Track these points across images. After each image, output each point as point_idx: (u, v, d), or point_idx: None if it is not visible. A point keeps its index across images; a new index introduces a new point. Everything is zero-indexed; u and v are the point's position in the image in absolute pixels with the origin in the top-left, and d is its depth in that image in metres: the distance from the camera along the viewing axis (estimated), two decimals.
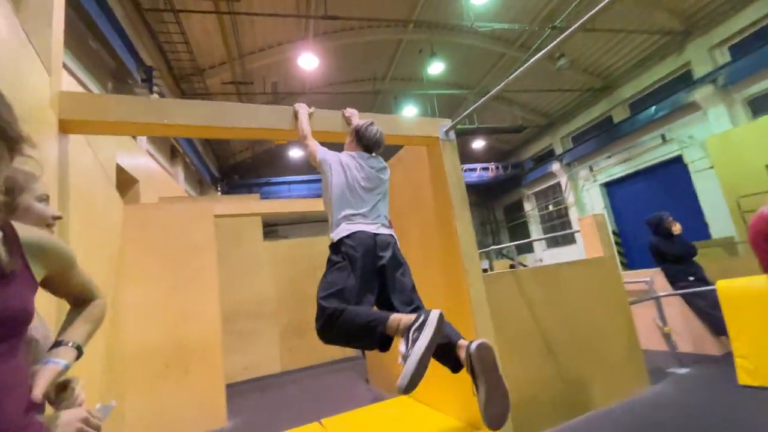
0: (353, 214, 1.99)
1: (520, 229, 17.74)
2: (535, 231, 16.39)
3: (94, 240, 2.44)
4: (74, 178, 2.05)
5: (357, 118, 2.52)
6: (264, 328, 6.02)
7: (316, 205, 5.70)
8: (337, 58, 10.71)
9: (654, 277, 3.96)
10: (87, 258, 2.23)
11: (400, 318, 1.59)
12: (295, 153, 13.97)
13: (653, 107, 10.13)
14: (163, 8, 6.13)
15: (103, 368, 2.59)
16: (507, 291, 2.78)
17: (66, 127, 1.90)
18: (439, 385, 2.85)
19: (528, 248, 17.14)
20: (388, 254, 1.96)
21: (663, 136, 10.12)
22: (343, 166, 2.11)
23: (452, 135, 2.87)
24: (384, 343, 1.62)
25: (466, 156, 16.40)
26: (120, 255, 3.35)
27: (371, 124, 2.28)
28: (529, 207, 16.56)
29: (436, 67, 11.00)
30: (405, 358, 1.43)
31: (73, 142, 2.15)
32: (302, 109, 2.35)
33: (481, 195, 18.61)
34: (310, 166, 14.41)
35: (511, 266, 7.01)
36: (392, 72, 12.31)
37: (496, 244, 18.95)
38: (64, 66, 4.38)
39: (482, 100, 2.62)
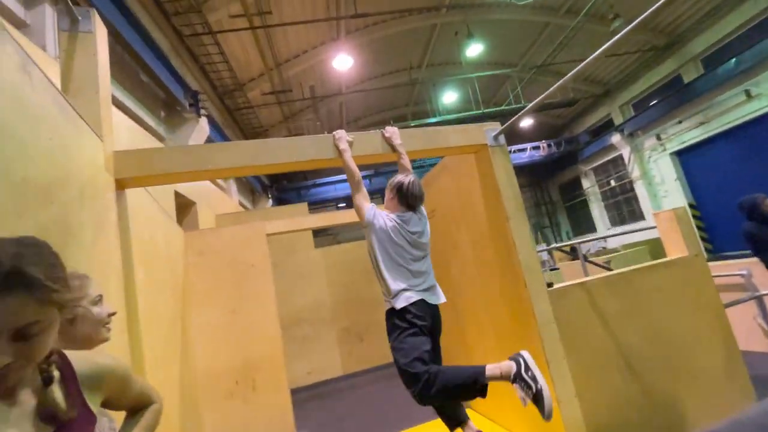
0: (411, 287, 2.08)
1: (578, 208, 16.63)
2: (597, 209, 15.25)
3: (159, 277, 2.57)
4: (135, 228, 2.15)
5: (398, 137, 2.39)
6: (322, 333, 6.18)
7: None
8: (371, 53, 10.55)
9: (751, 269, 3.44)
10: (152, 296, 2.35)
11: (498, 367, 1.75)
12: None
13: (733, 60, 8.82)
14: (202, 32, 6.34)
15: (180, 393, 2.75)
16: (576, 306, 2.53)
17: (122, 184, 1.98)
18: (502, 401, 2.70)
19: (589, 227, 16.02)
20: (437, 319, 2.18)
21: (747, 92, 8.81)
22: (391, 239, 2.11)
23: (502, 139, 2.64)
24: (484, 391, 1.76)
25: (514, 136, 15.56)
26: (186, 280, 3.54)
27: (413, 180, 2.25)
28: (588, 184, 15.41)
29: (474, 49, 10.44)
30: (535, 396, 1.63)
31: (133, 191, 2.27)
32: (342, 143, 2.23)
33: (533, 175, 17.64)
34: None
35: (571, 258, 6.54)
36: (428, 59, 11.91)
37: (554, 225, 17.93)
38: (120, 104, 4.69)
39: (551, 88, 2.35)
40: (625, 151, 12.77)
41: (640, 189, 12.62)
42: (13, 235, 0.71)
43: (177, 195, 4.73)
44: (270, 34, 7.75)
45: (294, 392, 5.52)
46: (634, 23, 1.67)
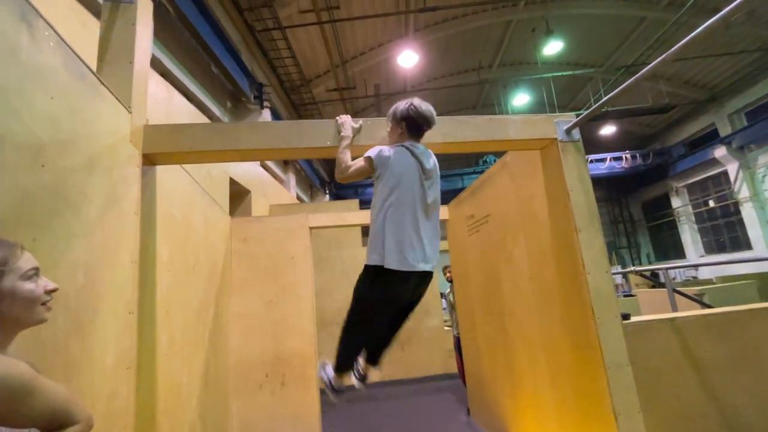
0: (408, 251, 1.68)
1: (664, 230, 14.65)
2: (688, 232, 13.28)
3: (191, 259, 2.52)
4: (164, 207, 2.09)
5: (348, 128, 1.92)
6: None
7: None
8: (439, 51, 10.20)
9: None
10: (179, 277, 2.29)
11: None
12: None
13: None
14: (272, 27, 6.51)
15: (204, 380, 2.69)
16: (661, 348, 1.99)
17: (152, 160, 1.92)
18: None
19: (677, 252, 14.01)
20: (423, 288, 1.86)
21: None
22: (403, 182, 1.71)
23: (576, 134, 2.19)
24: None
25: (592, 144, 14.15)
26: (226, 266, 3.54)
27: (414, 102, 1.81)
28: (679, 203, 13.47)
29: (553, 47, 9.61)
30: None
31: (168, 170, 2.22)
32: (345, 129, 1.88)
33: (612, 189, 15.94)
34: None
35: (652, 285, 5.59)
36: (500, 58, 11.24)
37: (632, 246, 16.02)
38: (188, 92, 4.91)
39: (633, 79, 1.89)
40: (732, 167, 10.91)
41: (748, 212, 10.69)
42: None
43: (232, 182, 4.83)
44: (338, 30, 7.78)
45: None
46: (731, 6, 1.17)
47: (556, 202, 2.20)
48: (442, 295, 5.78)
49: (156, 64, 4.25)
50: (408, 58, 8.40)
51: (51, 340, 1.13)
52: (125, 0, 1.83)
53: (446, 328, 5.86)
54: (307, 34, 7.64)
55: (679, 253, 13.77)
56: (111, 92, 1.57)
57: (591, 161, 12.59)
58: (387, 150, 1.76)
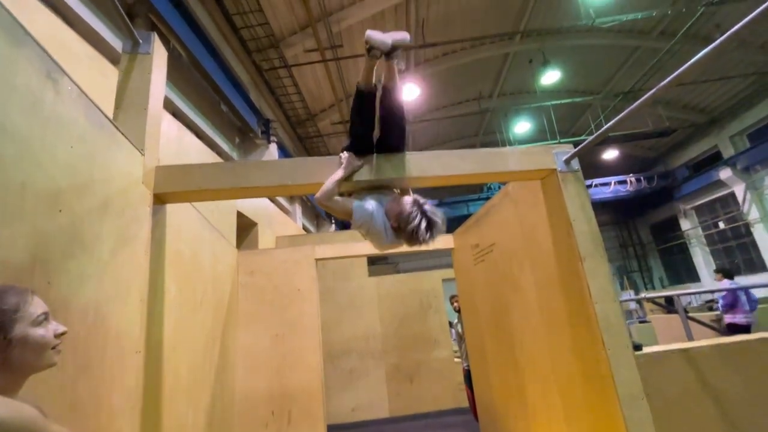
0: None
1: (675, 253, 14.40)
2: (700, 255, 13.05)
3: (198, 294, 2.54)
4: (173, 244, 2.14)
5: (351, 162, 1.97)
6: (370, 368, 5.84)
7: (435, 243, 5.34)
8: (440, 83, 10.53)
9: None
10: (187, 314, 2.30)
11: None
12: None
13: None
14: (279, 66, 6.82)
15: (209, 418, 2.63)
16: (678, 380, 1.94)
17: (162, 199, 1.98)
18: None
19: (691, 275, 13.70)
20: None
21: None
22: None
23: (576, 164, 2.23)
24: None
25: (597, 169, 14.23)
26: (233, 300, 3.54)
27: (434, 224, 1.79)
28: (688, 225, 13.33)
29: (550, 76, 9.89)
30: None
31: (178, 207, 2.29)
32: (342, 170, 1.92)
33: (619, 213, 15.84)
34: (421, 192, 14.53)
35: (668, 310, 5.45)
36: (500, 88, 11.56)
37: (644, 270, 15.72)
38: (198, 129, 5.10)
39: (626, 112, 1.94)
40: (739, 189, 10.85)
41: (760, 234, 10.53)
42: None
43: (239, 215, 4.91)
44: (341, 67, 8.11)
45: (334, 428, 5.22)
46: (726, 35, 1.23)
47: (559, 231, 2.22)
48: (451, 325, 5.68)
49: (168, 105, 4.45)
50: (410, 91, 8.68)
51: (58, 382, 1.14)
52: (142, 51, 1.97)
53: (456, 359, 5.71)
54: (313, 72, 7.97)
55: (693, 276, 13.47)
56: (126, 138, 1.66)
57: (595, 185, 12.62)
58: (370, 208, 1.87)
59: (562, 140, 11.22)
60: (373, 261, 14.25)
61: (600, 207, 14.34)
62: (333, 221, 11.73)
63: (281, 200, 7.97)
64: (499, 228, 3.07)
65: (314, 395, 3.63)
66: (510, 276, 2.89)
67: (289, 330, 3.75)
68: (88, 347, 1.30)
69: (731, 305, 4.62)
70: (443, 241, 4.32)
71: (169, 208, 2.14)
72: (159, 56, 2.04)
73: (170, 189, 1.92)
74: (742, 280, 11.13)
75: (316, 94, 8.57)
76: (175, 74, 4.55)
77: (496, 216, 3.09)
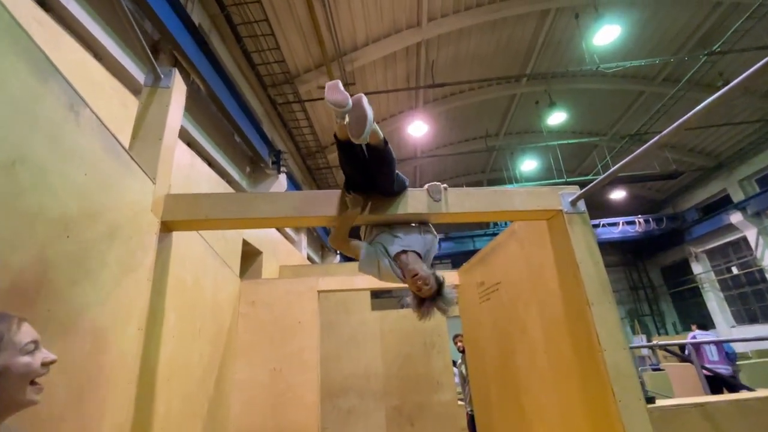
0: None
1: (688, 297, 13.99)
2: (714, 300, 12.65)
3: (197, 324, 2.50)
4: (176, 271, 2.14)
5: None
6: (370, 409, 5.59)
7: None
8: (447, 121, 10.81)
9: None
10: (184, 343, 2.25)
11: None
12: None
13: None
14: (293, 101, 7.08)
15: None
16: None
17: (169, 227, 2.00)
18: None
19: (705, 321, 13.20)
20: None
21: None
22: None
23: (582, 206, 2.23)
24: None
25: (604, 208, 14.18)
26: (232, 330, 3.48)
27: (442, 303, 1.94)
28: (701, 269, 13.04)
29: (556, 117, 10.11)
30: None
31: (184, 235, 2.31)
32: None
33: (626, 253, 15.60)
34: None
35: (682, 359, 5.21)
36: (506, 127, 11.82)
37: (656, 314, 15.23)
38: (211, 158, 5.23)
39: (636, 153, 1.95)
40: (750, 234, 10.69)
41: None
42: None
43: (245, 243, 4.93)
44: None
45: None
46: (729, 86, 1.26)
47: (566, 273, 2.18)
48: (455, 364, 5.47)
49: (183, 134, 4.60)
50: (418, 128, 8.91)
51: (48, 411, 1.10)
52: (162, 85, 2.06)
53: (459, 402, 5.46)
54: (325, 106, 8.25)
55: (707, 322, 12.99)
56: (140, 166, 1.71)
57: (603, 225, 12.53)
58: (374, 257, 2.03)
59: (569, 179, 11.29)
60: (376, 294, 14.06)
61: (608, 247, 14.17)
62: (338, 253, 11.69)
63: (287, 230, 8.01)
64: (504, 266, 3.03)
65: None
66: (516, 317, 2.82)
67: (288, 364, 3.65)
68: (82, 376, 1.27)
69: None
70: (447, 278, 4.26)
71: (177, 237, 2.16)
72: (178, 91, 2.14)
73: (178, 217, 1.95)
74: (759, 329, 10.70)
75: (327, 128, 8.82)
76: (193, 106, 4.74)
77: (502, 254, 3.06)
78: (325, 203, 2.05)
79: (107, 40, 3.47)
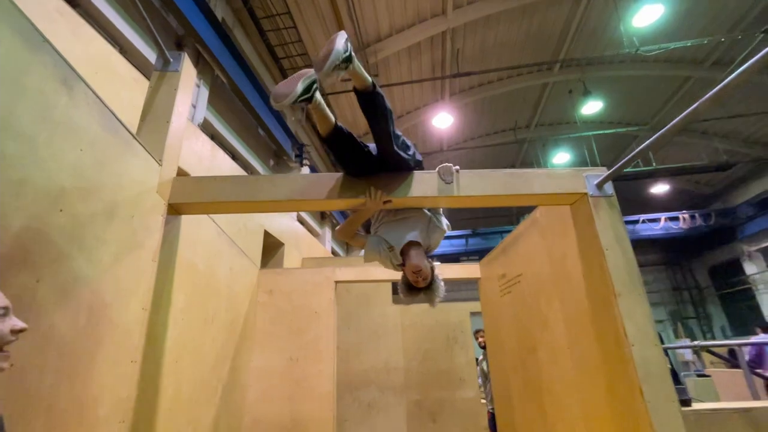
0: None
1: (739, 300, 12.92)
2: None
3: (209, 309, 2.52)
4: (186, 255, 2.15)
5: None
6: (391, 402, 5.53)
7: (448, 271, 4.99)
8: (475, 113, 10.51)
9: None
10: (195, 327, 2.26)
11: None
12: None
13: None
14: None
15: None
16: None
17: (178, 210, 2.01)
18: None
19: (760, 325, 12.15)
20: None
21: None
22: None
23: (609, 188, 2.03)
24: None
25: (643, 204, 13.34)
26: (250, 319, 3.51)
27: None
28: (755, 269, 12.00)
29: (591, 107, 9.58)
30: None
31: (196, 220, 2.32)
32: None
33: (669, 252, 14.61)
34: (450, 222, 14.24)
35: (731, 364, 4.77)
36: (537, 118, 11.34)
37: (701, 317, 14.20)
38: (235, 151, 5.32)
39: (664, 129, 1.75)
40: None
41: None
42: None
43: (267, 234, 4.99)
44: None
45: None
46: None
47: (590, 262, 2.00)
48: (478, 362, 5.31)
49: (207, 127, 4.69)
50: (443, 120, 8.71)
51: (35, 384, 1.10)
52: (171, 69, 2.07)
53: (483, 400, 5.29)
54: (348, 99, 8.23)
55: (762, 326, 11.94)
56: (144, 147, 1.71)
57: (643, 221, 11.78)
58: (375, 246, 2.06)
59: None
60: (397, 288, 13.99)
61: (649, 245, 13.33)
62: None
63: (311, 222, 8.08)
64: (526, 257, 2.85)
65: (325, 427, 3.45)
66: (537, 311, 2.65)
67: (304, 354, 3.64)
68: (75, 351, 1.27)
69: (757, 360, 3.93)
70: (469, 271, 4.12)
71: (187, 220, 2.17)
72: (187, 75, 2.13)
73: (186, 200, 1.95)
74: None
75: (350, 121, 8.80)
76: (217, 100, 4.83)
77: (523, 245, 2.89)
78: (329, 186, 1.99)
79: (132, 34, 3.58)
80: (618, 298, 1.78)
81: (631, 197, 12.53)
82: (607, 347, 1.88)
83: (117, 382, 1.49)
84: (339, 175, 2.01)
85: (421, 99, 9.48)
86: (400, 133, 1.95)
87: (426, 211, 2.17)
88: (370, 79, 1.71)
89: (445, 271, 4.36)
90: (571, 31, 8.35)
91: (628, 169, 11.05)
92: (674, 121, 1.51)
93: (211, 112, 4.73)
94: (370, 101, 1.73)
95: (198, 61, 4.30)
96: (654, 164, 10.68)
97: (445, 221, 2.22)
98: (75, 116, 1.28)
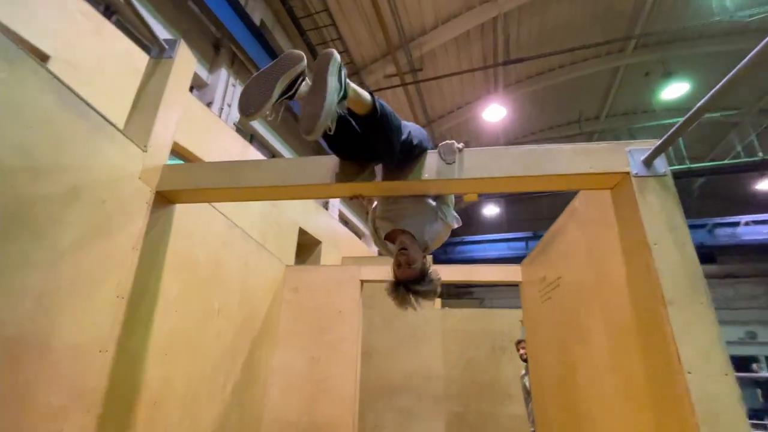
0: None
1: None
2: None
3: (214, 300, 2.47)
4: (181, 245, 2.10)
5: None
6: (429, 412, 5.19)
7: (485, 273, 4.41)
8: (534, 106, 9.72)
9: None
10: (190, 317, 2.19)
11: None
12: (489, 211, 13.19)
13: None
14: None
15: None
16: None
17: (169, 198, 1.97)
18: None
19: None
20: None
21: None
22: None
23: (662, 165, 1.58)
24: None
25: (746, 202, 11.25)
26: (272, 315, 3.46)
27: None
28: None
29: (675, 90, 8.31)
30: None
31: (199, 211, 2.28)
32: None
33: None
34: (509, 223, 13.27)
35: None
36: (608, 108, 10.14)
37: None
38: (275, 151, 5.41)
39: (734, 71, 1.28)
40: None
41: None
42: None
43: (302, 232, 4.99)
44: (422, 92, 8.03)
45: None
46: None
47: (634, 261, 1.56)
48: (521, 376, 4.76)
49: (246, 127, 4.81)
50: (495, 112, 8.14)
51: None
52: (166, 56, 2.04)
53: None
54: (394, 96, 8.05)
55: None
56: (121, 132, 1.67)
57: (745, 223, 9.92)
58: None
59: (692, 165, 9.20)
60: (454, 294, 13.42)
61: (754, 253, 11.21)
62: None
63: (356, 221, 8.02)
64: (565, 257, 2.41)
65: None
66: (577, 321, 2.20)
67: (326, 354, 3.51)
68: (18, 338, 1.22)
69: None
70: (509, 273, 3.68)
71: (186, 210, 2.12)
72: (182, 62, 2.09)
73: (173, 187, 1.89)
74: None
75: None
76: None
77: (562, 242, 2.44)
78: (318, 170, 1.80)
79: (164, 34, 3.75)
80: (669, 308, 1.35)
81: (729, 194, 10.67)
82: (654, 373, 1.43)
83: (80, 372, 1.44)
84: (325, 157, 1.81)
85: (472, 92, 8.98)
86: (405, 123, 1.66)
87: (430, 201, 1.88)
88: (370, 97, 1.39)
89: (482, 273, 3.98)
90: (647, 5, 7.30)
91: (727, 161, 9.41)
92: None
93: (262, 126, 4.86)
94: (375, 127, 1.42)
95: (233, 61, 4.43)
96: (761, 154, 8.94)
97: (453, 214, 1.91)
98: (19, 93, 1.24)
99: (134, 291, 1.71)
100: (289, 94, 1.30)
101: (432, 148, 1.77)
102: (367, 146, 1.61)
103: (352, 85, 1.32)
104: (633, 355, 1.60)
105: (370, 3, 6.01)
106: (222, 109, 4.11)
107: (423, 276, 1.65)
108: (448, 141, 1.73)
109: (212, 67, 4.35)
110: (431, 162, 1.72)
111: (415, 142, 1.67)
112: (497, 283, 4.05)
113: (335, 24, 5.83)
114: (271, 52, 4.91)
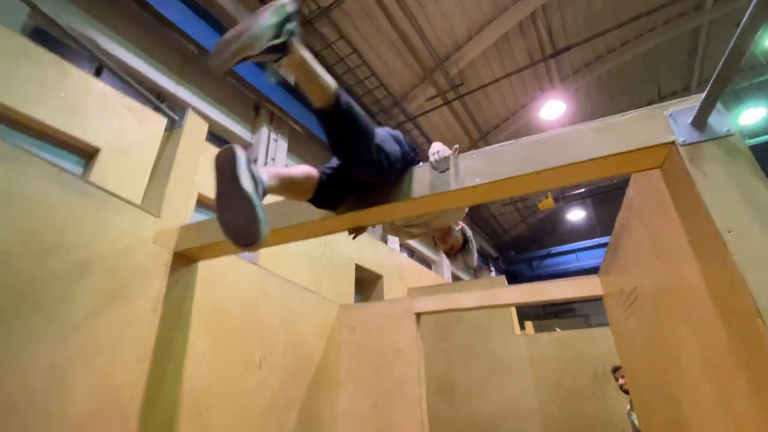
0: None
1: None
2: None
3: (254, 352, 2.46)
4: (210, 299, 2.15)
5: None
6: None
7: (576, 288, 3.60)
8: (600, 93, 8.75)
9: None
10: (227, 372, 2.19)
11: None
12: (574, 216, 11.85)
13: None
14: (403, 120, 7.04)
15: None
16: None
17: (190, 257, 2.04)
18: None
19: None
20: None
21: None
22: None
23: (722, 123, 1.17)
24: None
25: None
26: (330, 359, 3.37)
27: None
28: None
29: None
30: None
31: (229, 265, 2.35)
32: None
33: None
34: (601, 227, 11.73)
35: None
36: (698, 75, 8.65)
37: None
38: None
39: None
40: None
41: None
42: None
43: (359, 268, 4.94)
44: (470, 107, 7.77)
45: None
46: None
47: (706, 257, 1.14)
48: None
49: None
50: (553, 109, 7.45)
51: None
52: (176, 126, 2.21)
53: None
54: (441, 115, 7.90)
55: None
56: (129, 203, 1.79)
57: None
58: None
59: None
60: (552, 312, 12.04)
61: None
62: (492, 268, 10.69)
63: (424, 251, 7.79)
64: (635, 262, 1.93)
65: None
66: (664, 343, 1.69)
67: (389, 399, 3.27)
68: (31, 410, 1.29)
69: None
70: (586, 286, 3.12)
71: (213, 266, 2.19)
72: (193, 128, 2.24)
73: (192, 245, 1.97)
74: None
75: (446, 134, 8.37)
76: (297, 146, 5.21)
77: (628, 241, 1.97)
78: (295, 213, 1.72)
79: (212, 110, 4.18)
80: (763, 317, 0.92)
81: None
82: (760, 397, 0.97)
83: None
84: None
85: (525, 95, 8.41)
86: (381, 144, 1.40)
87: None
88: (333, 85, 1.16)
89: (555, 291, 3.40)
90: None
91: None
92: None
93: (294, 161, 5.11)
94: (337, 122, 1.20)
95: (272, 120, 4.75)
96: None
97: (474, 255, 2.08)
98: (18, 186, 1.39)
99: (157, 351, 1.76)
100: (276, 42, 0.99)
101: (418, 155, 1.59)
102: (349, 182, 1.49)
103: (304, 52, 1.06)
104: (741, 391, 1.13)
105: (396, 34, 6.10)
106: (266, 163, 4.39)
107: (465, 243, 2.02)
108: (435, 142, 1.54)
109: (254, 128, 4.74)
110: (421, 175, 1.52)
111: (391, 147, 1.46)
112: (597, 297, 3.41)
113: (366, 63, 6.01)
114: (307, 104, 5.20)
